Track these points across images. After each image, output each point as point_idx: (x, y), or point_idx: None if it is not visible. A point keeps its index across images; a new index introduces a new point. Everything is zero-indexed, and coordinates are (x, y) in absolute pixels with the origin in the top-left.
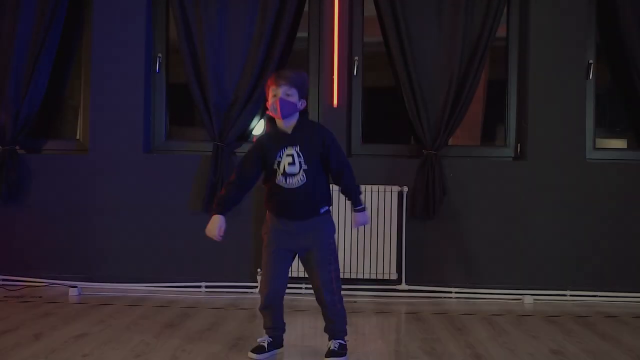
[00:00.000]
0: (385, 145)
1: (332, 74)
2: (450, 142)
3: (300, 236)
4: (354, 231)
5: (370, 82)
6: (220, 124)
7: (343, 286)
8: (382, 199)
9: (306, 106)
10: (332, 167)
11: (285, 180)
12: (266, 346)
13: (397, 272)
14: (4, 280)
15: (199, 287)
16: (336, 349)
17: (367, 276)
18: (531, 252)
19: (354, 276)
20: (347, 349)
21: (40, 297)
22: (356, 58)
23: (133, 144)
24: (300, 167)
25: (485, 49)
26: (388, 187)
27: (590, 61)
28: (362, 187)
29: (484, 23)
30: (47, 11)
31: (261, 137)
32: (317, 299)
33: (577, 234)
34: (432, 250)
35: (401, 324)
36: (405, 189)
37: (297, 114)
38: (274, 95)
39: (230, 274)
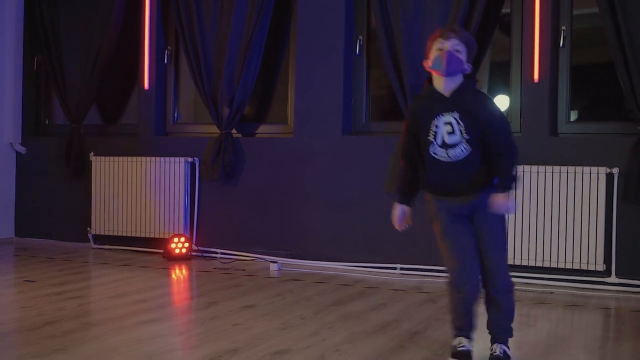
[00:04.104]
0: (594, 124)
1: (533, 45)
2: None
3: (470, 214)
4: (555, 216)
5: (580, 58)
6: None
7: (540, 275)
8: (587, 181)
9: (472, 73)
10: (491, 144)
11: (447, 153)
12: (467, 348)
13: (604, 262)
14: (222, 253)
15: (394, 268)
16: (501, 355)
17: (568, 265)
18: None
19: (553, 265)
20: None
21: (244, 270)
22: (563, 28)
23: (334, 127)
24: (462, 136)
25: None
26: (594, 169)
27: None
28: (566, 169)
29: None
30: (257, 2)
31: (413, 103)
32: (488, 289)
33: None
34: None
35: (585, 319)
36: (616, 170)
37: (461, 76)
38: (440, 49)
39: (425, 257)
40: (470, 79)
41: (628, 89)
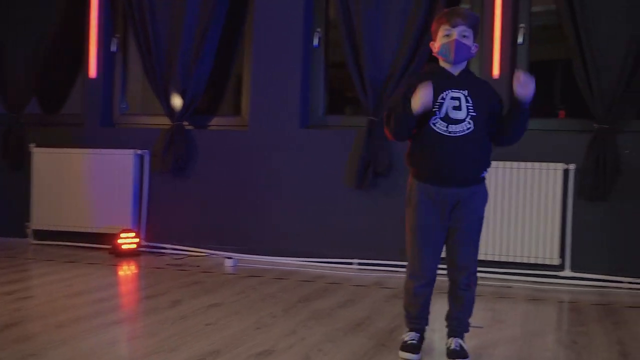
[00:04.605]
0: (551, 120)
1: (493, 41)
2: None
3: (452, 207)
4: (511, 210)
5: (538, 54)
6: (376, 99)
7: (497, 269)
8: (544, 177)
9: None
10: (499, 123)
11: (447, 127)
12: (418, 343)
13: (559, 257)
14: (172, 249)
15: (351, 263)
16: (458, 349)
17: (525, 260)
18: None
19: (510, 259)
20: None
21: (198, 266)
22: (522, 25)
23: (291, 120)
24: (468, 112)
25: None
26: (552, 165)
27: None
28: (524, 164)
29: None
30: None
31: (420, 74)
32: (450, 287)
33: None
34: (602, 235)
35: (550, 313)
36: (572, 166)
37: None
38: (447, 36)
39: (382, 252)
40: None
41: (585, 86)
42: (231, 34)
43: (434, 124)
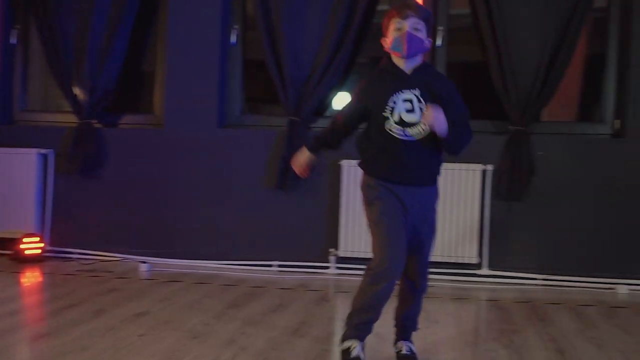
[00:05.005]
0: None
1: None
2: (542, 118)
3: (410, 205)
4: None
5: (456, 56)
6: (296, 98)
7: None
8: (463, 178)
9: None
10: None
11: (403, 131)
12: (364, 356)
13: (478, 256)
14: (80, 254)
15: (270, 266)
16: (409, 353)
17: (445, 259)
18: (627, 239)
19: (431, 259)
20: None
21: (111, 272)
22: (440, 28)
23: (208, 119)
24: (422, 114)
25: (582, 19)
26: (471, 166)
27: None
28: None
29: None
30: None
31: (370, 77)
32: (407, 287)
33: None
34: (517, 234)
35: (479, 312)
36: (489, 167)
37: (421, 55)
38: (398, 29)
39: (302, 254)
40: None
41: (501, 88)
42: (144, 29)
43: (389, 129)
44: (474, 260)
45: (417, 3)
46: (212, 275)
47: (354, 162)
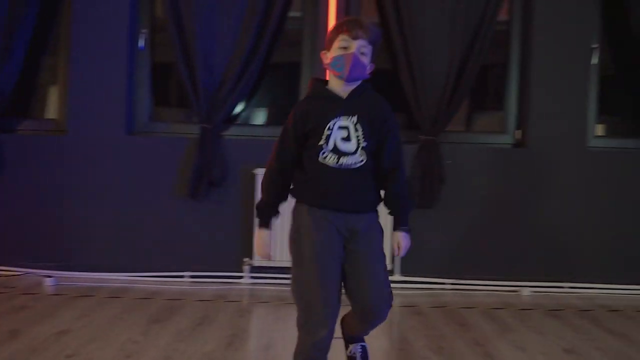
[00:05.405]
0: None
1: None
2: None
3: (347, 235)
4: None
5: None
6: (208, 106)
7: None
8: None
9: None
10: (385, 159)
11: (338, 160)
12: None
13: (391, 262)
14: None
15: (182, 277)
16: (361, 351)
17: None
18: (529, 243)
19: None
20: None
21: (14, 287)
22: None
23: (115, 125)
24: (358, 144)
25: (488, 32)
26: None
27: (595, 45)
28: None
29: (487, 4)
30: None
31: (302, 103)
32: (364, 320)
33: (578, 223)
34: (427, 240)
35: (401, 319)
36: None
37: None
38: (344, 48)
39: (215, 264)
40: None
41: (412, 98)
42: (45, 31)
43: (324, 159)
44: (389, 267)
45: (370, 24)
46: (123, 289)
47: None
